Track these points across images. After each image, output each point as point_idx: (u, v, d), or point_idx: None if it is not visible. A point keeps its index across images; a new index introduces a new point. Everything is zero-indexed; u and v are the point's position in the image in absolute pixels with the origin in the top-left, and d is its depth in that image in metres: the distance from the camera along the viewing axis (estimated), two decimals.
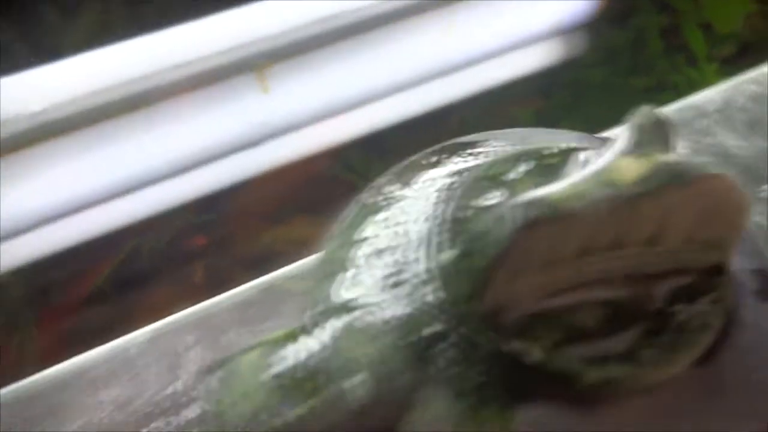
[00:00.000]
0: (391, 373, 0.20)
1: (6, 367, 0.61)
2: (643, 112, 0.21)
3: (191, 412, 0.29)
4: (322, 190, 0.72)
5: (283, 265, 0.34)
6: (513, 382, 0.19)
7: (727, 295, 0.21)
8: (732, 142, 0.37)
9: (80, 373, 0.31)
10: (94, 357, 0.31)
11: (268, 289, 0.32)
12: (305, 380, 0.19)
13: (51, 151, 0.63)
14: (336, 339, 0.20)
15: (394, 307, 0.21)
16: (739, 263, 0.22)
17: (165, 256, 0.67)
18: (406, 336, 0.21)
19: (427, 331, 0.21)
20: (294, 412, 0.19)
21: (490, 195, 0.23)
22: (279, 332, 0.21)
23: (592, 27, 0.80)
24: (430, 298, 0.21)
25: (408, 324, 0.21)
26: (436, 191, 0.24)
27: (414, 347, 0.20)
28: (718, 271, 0.21)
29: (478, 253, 0.20)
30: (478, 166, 0.25)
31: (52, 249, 0.64)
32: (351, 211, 0.27)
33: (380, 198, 0.25)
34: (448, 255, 0.21)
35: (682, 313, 0.20)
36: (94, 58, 0.65)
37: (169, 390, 0.30)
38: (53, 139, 0.63)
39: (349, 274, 0.23)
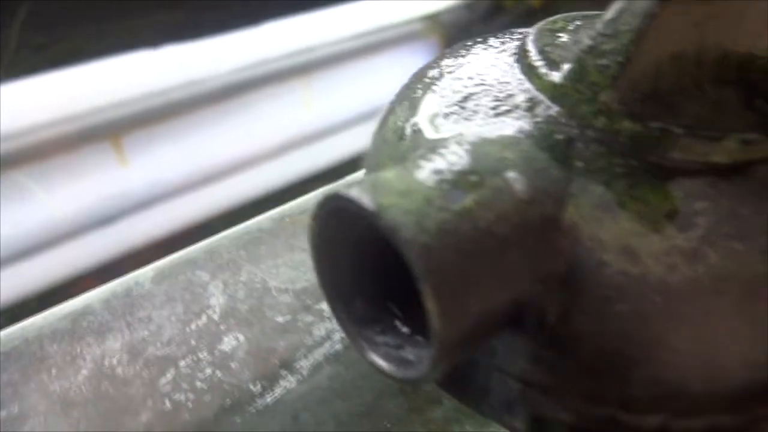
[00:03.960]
0: (540, 170, 0.19)
1: None
2: None
3: (226, 345, 0.25)
4: None
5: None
6: (660, 162, 0.19)
7: None
8: None
9: (78, 318, 0.25)
10: (93, 301, 0.26)
11: (276, 225, 0.30)
12: (466, 174, 0.18)
13: None
14: (472, 148, 0.19)
15: (510, 127, 0.21)
16: None
17: None
18: (541, 142, 0.20)
19: (558, 137, 0.20)
20: (463, 203, 0.18)
21: (565, 35, 0.24)
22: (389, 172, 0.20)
23: None
24: (543, 115, 0.21)
25: (536, 136, 0.20)
26: (501, 50, 0.25)
27: (553, 150, 0.20)
28: None
29: (601, 50, 0.20)
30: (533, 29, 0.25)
31: None
32: (407, 92, 0.26)
33: (435, 71, 0.25)
34: (557, 74, 0.21)
35: None
36: None
37: (193, 327, 0.26)
38: None
39: (433, 127, 0.23)
